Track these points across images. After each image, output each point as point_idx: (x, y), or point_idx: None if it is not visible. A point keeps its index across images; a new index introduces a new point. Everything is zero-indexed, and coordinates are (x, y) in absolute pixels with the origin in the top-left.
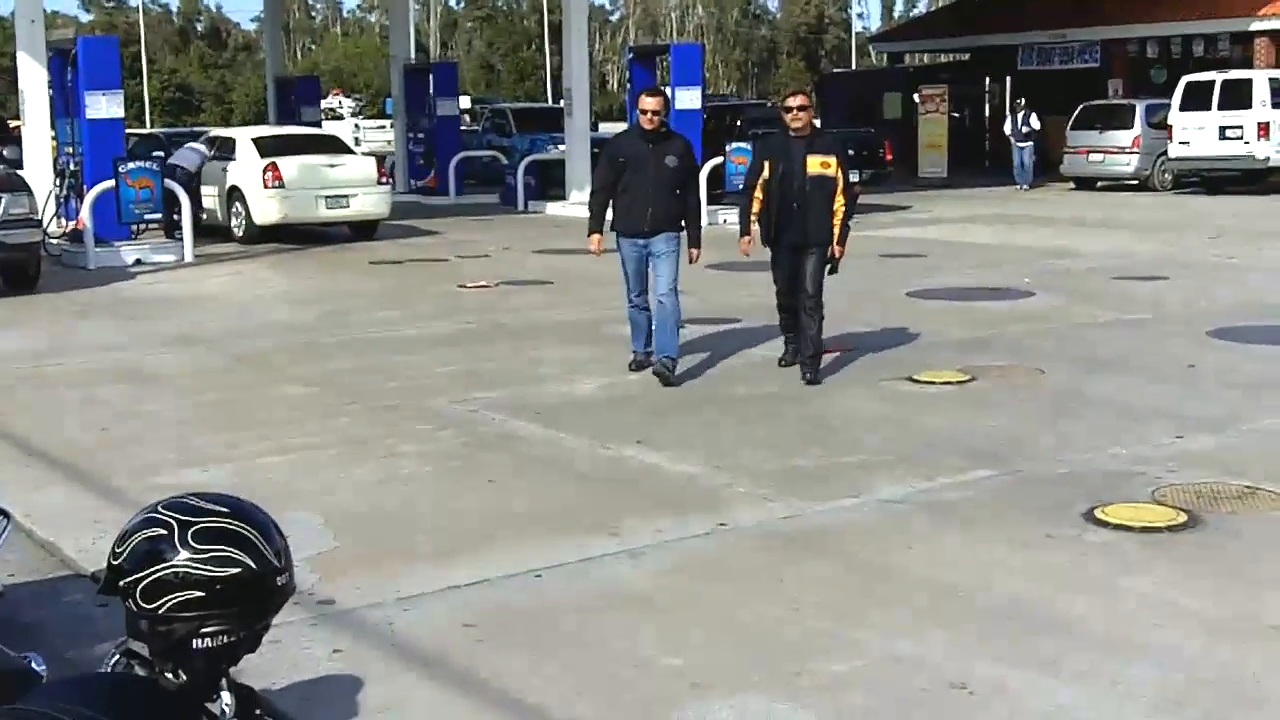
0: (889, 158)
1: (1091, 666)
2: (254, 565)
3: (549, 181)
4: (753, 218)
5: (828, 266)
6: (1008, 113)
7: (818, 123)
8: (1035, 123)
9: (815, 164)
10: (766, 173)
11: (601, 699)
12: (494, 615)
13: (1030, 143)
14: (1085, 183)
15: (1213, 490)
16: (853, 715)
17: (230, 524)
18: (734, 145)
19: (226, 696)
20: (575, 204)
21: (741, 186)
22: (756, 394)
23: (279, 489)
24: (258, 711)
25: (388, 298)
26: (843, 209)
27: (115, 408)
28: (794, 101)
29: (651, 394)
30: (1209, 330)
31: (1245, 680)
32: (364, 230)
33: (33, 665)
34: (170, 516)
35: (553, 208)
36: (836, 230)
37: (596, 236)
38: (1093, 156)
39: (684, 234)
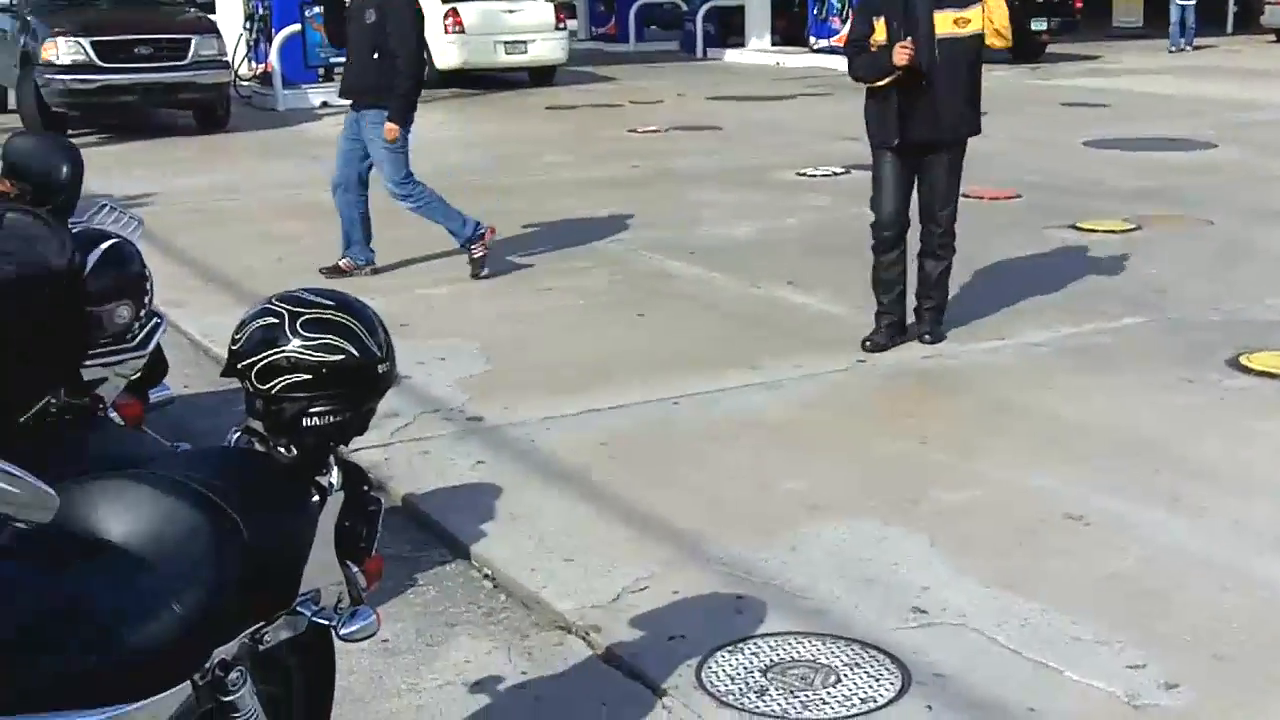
0: (1078, 5)
1: (1212, 504)
2: (356, 353)
3: (728, 29)
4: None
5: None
6: None
7: None
8: None
9: (946, 22)
10: (881, 36)
11: (721, 514)
12: (629, 436)
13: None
14: None
15: None
16: (964, 540)
17: (336, 315)
18: None
19: (335, 471)
20: (754, 51)
21: (846, 49)
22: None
23: (439, 317)
24: (365, 487)
25: (560, 142)
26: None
27: (290, 240)
28: None
29: (809, 238)
30: None
31: None
32: (542, 76)
33: None
34: (282, 307)
35: (731, 55)
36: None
37: None
38: None
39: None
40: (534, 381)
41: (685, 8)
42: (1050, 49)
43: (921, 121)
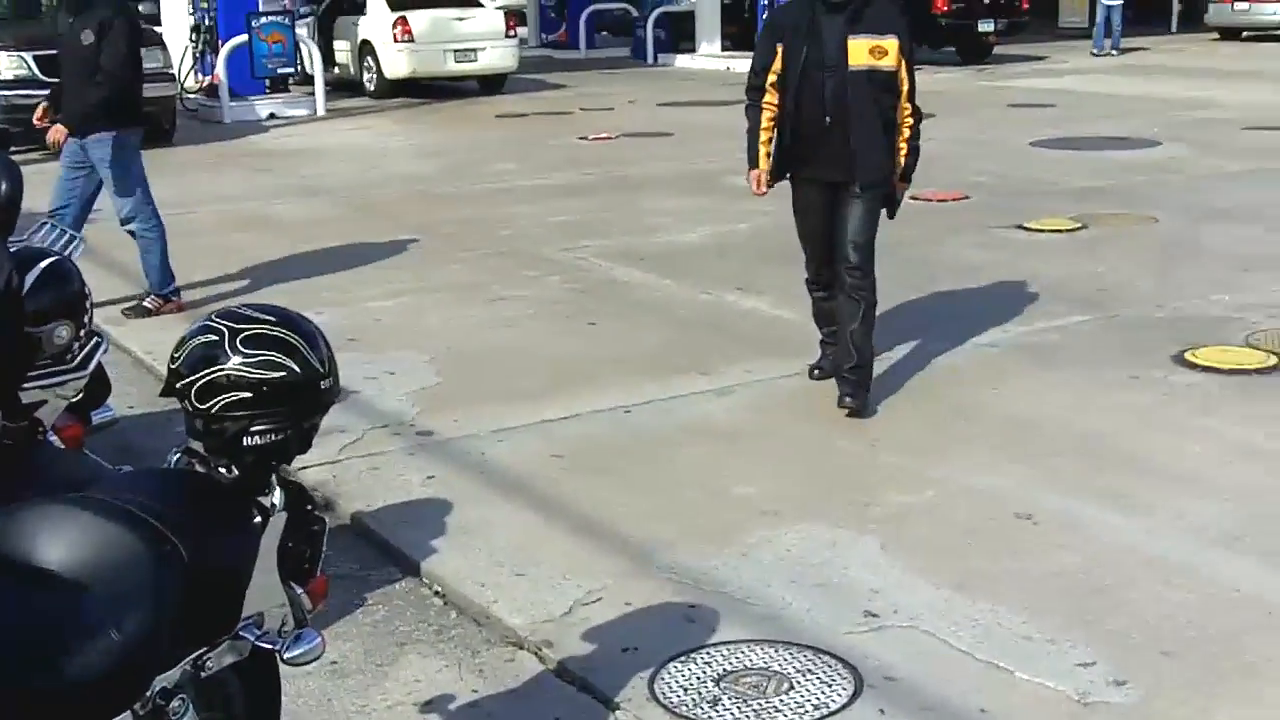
0: (1024, 6)
1: (1158, 501)
2: (298, 370)
3: (679, 34)
4: (763, 139)
5: (883, 212)
6: None
7: None
8: None
9: (861, 50)
10: (780, 63)
11: (675, 522)
12: (581, 446)
13: (1119, 1)
14: (1230, 33)
15: None
16: (915, 543)
17: (277, 331)
18: None
19: (277, 491)
20: (705, 56)
21: (746, 88)
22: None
23: (388, 330)
24: (308, 506)
25: (510, 150)
26: (910, 123)
27: (237, 254)
28: None
29: (759, 243)
30: None
31: None
32: (492, 84)
33: None
34: (222, 324)
35: (682, 60)
36: (900, 158)
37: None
38: (1238, 5)
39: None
40: (485, 393)
41: (636, 14)
42: (997, 50)
43: (828, 163)
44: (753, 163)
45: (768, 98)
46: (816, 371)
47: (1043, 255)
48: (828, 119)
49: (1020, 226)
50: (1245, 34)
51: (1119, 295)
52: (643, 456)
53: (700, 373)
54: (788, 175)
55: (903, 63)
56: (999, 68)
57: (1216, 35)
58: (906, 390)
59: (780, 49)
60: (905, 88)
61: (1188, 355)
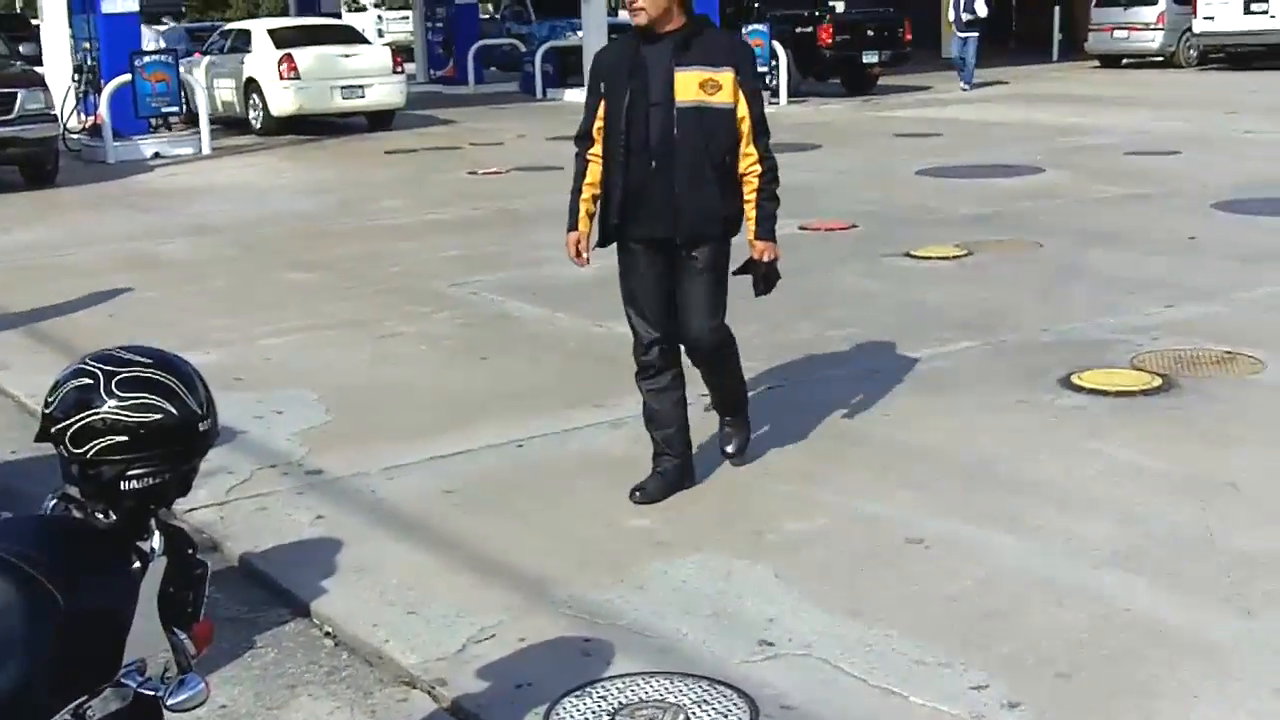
0: (908, 38)
1: (1048, 523)
2: (175, 412)
3: (567, 69)
4: (585, 197)
5: (754, 282)
6: None
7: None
8: (981, 9)
9: (689, 85)
10: (604, 109)
11: (568, 556)
12: (474, 482)
13: (974, 33)
14: (1110, 60)
15: (1192, 356)
16: (809, 570)
17: (153, 373)
18: (751, 28)
19: (156, 536)
20: None
21: (574, 138)
22: None
23: (276, 369)
24: (189, 550)
25: (399, 186)
26: (758, 170)
27: (123, 295)
28: None
29: None
30: (1214, 203)
31: (1198, 535)
32: (380, 120)
33: None
34: (96, 367)
35: (571, 94)
36: (752, 212)
37: None
38: (1117, 33)
39: None
40: (376, 431)
41: (524, 49)
42: (882, 81)
43: (654, 216)
44: (571, 224)
45: (594, 148)
46: (637, 494)
47: (930, 282)
48: (652, 163)
49: (907, 254)
50: (1125, 61)
51: (1005, 320)
52: (536, 490)
53: (593, 404)
54: (612, 235)
55: (741, 99)
56: (884, 98)
57: (1097, 63)
58: (798, 419)
59: (604, 87)
60: (747, 128)
61: (1074, 378)
